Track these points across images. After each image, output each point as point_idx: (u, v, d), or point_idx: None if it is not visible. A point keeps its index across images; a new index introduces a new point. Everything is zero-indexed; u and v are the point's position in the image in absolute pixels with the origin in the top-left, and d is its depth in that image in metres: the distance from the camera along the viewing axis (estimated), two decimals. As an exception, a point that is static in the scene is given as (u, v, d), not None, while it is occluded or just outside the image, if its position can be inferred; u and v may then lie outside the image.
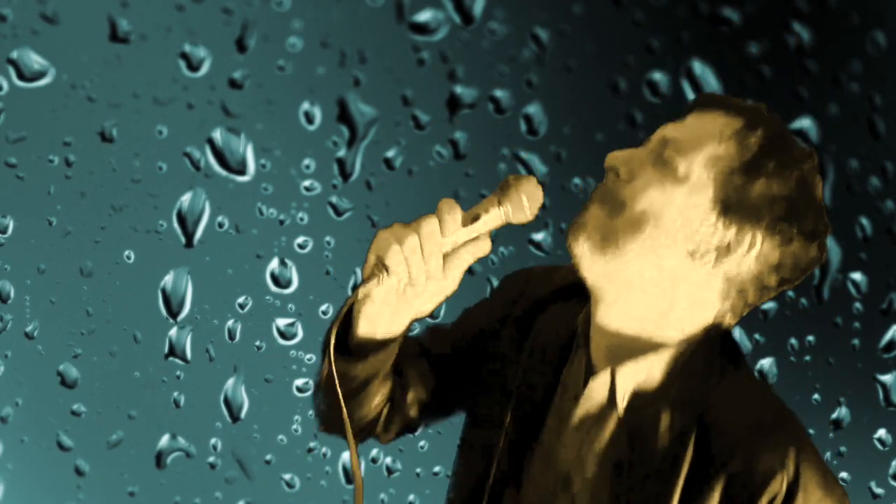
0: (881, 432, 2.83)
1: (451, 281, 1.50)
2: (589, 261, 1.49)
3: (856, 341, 2.78)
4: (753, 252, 1.48)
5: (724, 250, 1.47)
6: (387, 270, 1.48)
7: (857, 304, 2.77)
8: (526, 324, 1.66)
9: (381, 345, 1.57)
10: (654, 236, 1.47)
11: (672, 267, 1.48)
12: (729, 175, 1.46)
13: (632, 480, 1.49)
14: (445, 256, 1.49)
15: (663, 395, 1.50)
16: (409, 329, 1.57)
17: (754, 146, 1.47)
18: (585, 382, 1.54)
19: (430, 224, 1.47)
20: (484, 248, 1.51)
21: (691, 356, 1.51)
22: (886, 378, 2.79)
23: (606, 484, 1.51)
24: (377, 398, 1.63)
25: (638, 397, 1.51)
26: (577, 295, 1.59)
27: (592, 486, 1.53)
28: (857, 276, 2.76)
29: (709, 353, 1.52)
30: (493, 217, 1.51)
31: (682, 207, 1.46)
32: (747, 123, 1.48)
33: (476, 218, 1.50)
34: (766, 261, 1.49)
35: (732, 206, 1.46)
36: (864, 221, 2.74)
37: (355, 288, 1.52)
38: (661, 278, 1.48)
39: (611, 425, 1.52)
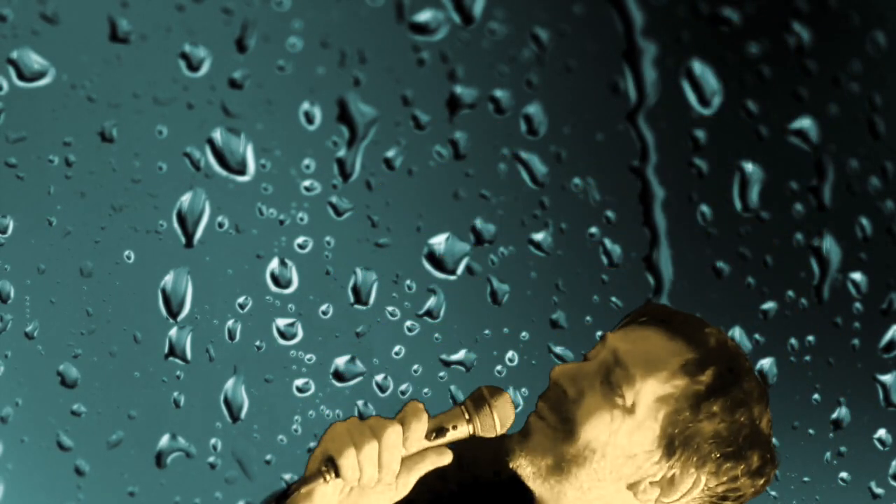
0: (881, 432, 2.83)
1: (402, 488, 1.42)
2: (529, 481, 1.47)
3: (856, 341, 2.78)
4: (697, 489, 1.46)
5: (668, 485, 1.46)
6: (336, 472, 1.38)
7: (857, 304, 2.77)
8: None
9: None
10: (598, 468, 1.45)
11: (613, 497, 1.47)
12: (675, 414, 1.44)
13: None
14: (402, 461, 1.41)
15: None
16: None
17: (703, 386, 1.44)
18: None
19: (393, 434, 1.37)
20: (444, 459, 1.43)
21: None
22: (886, 378, 2.79)
23: None
24: None
25: None
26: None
27: None
28: (857, 276, 2.76)
29: None
30: (460, 433, 1.44)
31: (628, 442, 1.44)
32: (699, 359, 1.45)
33: (442, 432, 1.43)
34: (710, 494, 1.47)
35: (678, 446, 1.44)
36: (864, 221, 2.75)
37: (297, 482, 1.42)
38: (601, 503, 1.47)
39: None
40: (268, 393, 2.71)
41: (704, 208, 2.69)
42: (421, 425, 1.41)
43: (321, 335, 2.68)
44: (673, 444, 1.43)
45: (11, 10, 2.50)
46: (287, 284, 2.67)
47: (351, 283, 2.67)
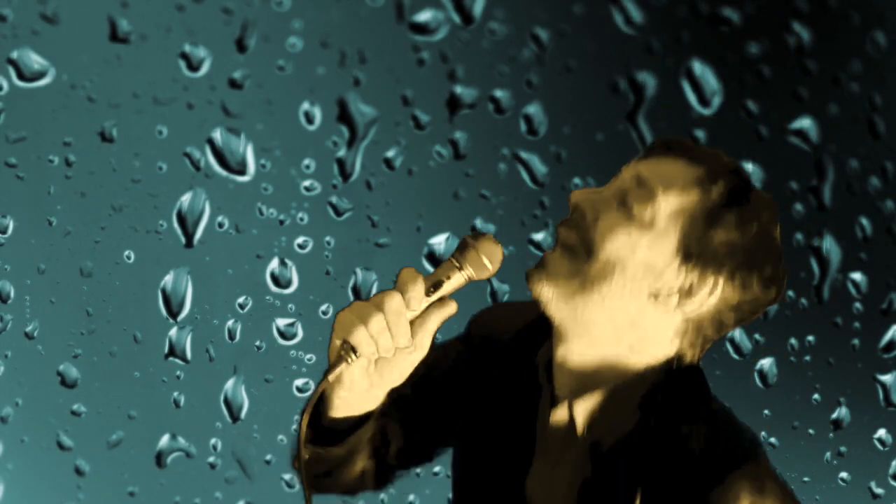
0: (881, 432, 2.83)
1: (420, 347, 1.50)
2: (552, 305, 1.53)
3: (856, 341, 2.78)
4: (714, 296, 1.52)
5: (686, 294, 1.52)
6: (355, 352, 1.46)
7: (857, 304, 2.77)
8: (496, 361, 1.68)
9: (358, 423, 1.54)
10: (619, 282, 1.51)
11: (636, 308, 1.52)
12: (692, 224, 1.51)
13: None
14: (412, 323, 1.48)
15: (623, 427, 1.53)
16: (385, 402, 1.55)
17: (716, 197, 1.51)
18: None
19: (393, 300, 1.45)
20: (450, 309, 1.50)
21: (651, 390, 1.54)
22: (886, 378, 2.79)
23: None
24: (359, 465, 1.61)
25: (597, 428, 1.54)
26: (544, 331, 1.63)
27: None
28: (857, 276, 2.76)
29: (671, 387, 1.55)
30: (456, 280, 1.50)
31: (647, 254, 1.51)
32: (709, 174, 1.52)
33: (439, 285, 1.50)
34: (726, 302, 1.53)
35: (695, 254, 1.50)
36: (864, 221, 2.75)
37: (325, 373, 1.48)
38: (624, 319, 1.53)
39: (573, 455, 1.55)
40: (268, 393, 2.71)
41: (704, 208, 2.68)
42: (418, 285, 1.47)
43: (321, 335, 2.68)
44: (690, 253, 1.50)
45: (11, 10, 2.50)
46: (287, 284, 2.67)
47: (351, 283, 2.66)
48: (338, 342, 1.46)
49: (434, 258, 2.65)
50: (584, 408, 1.54)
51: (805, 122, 2.69)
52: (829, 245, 2.75)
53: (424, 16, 2.61)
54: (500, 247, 1.51)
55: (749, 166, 2.69)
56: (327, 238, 2.66)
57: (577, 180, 2.68)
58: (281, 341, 2.69)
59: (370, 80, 2.60)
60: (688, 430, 1.52)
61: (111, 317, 2.63)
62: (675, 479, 1.49)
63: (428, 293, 1.48)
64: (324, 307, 2.68)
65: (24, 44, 2.51)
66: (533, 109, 2.66)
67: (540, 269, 1.54)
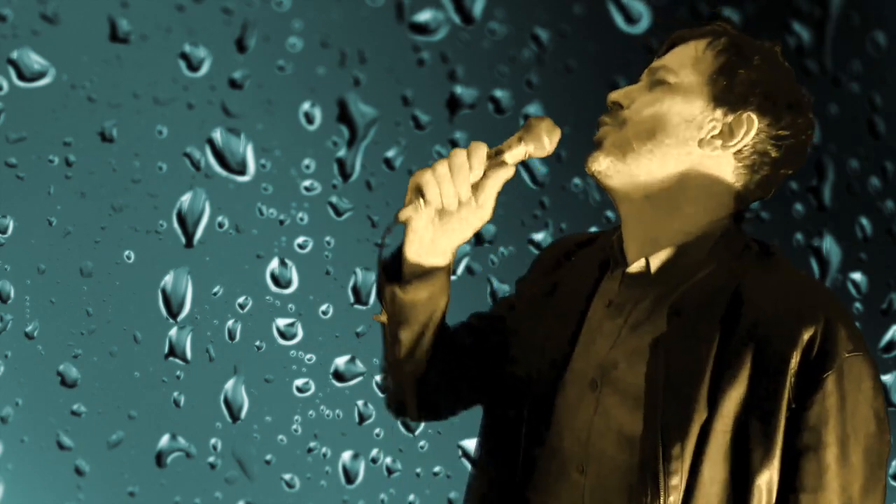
0: (881, 432, 2.83)
1: (483, 207, 1.67)
2: (611, 171, 1.70)
3: (856, 341, 2.77)
4: (753, 129, 1.68)
5: (728, 134, 1.68)
6: (422, 196, 1.64)
7: (857, 304, 2.77)
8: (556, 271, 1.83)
9: (429, 272, 1.69)
10: (664, 138, 1.68)
11: (687, 157, 1.68)
12: (713, 76, 1.70)
13: (669, 356, 1.60)
14: (475, 187, 1.66)
15: (695, 273, 1.65)
16: (453, 261, 1.71)
17: (725, 50, 1.72)
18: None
19: (459, 156, 1.64)
20: (508, 172, 1.68)
21: (722, 236, 1.69)
22: (886, 378, 2.79)
23: (642, 361, 1.62)
24: (428, 340, 1.73)
25: (672, 277, 1.66)
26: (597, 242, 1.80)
27: (630, 365, 1.64)
28: (857, 276, 2.76)
29: (738, 234, 1.72)
30: (517, 152, 1.68)
31: (683, 109, 1.69)
32: (713, 36, 1.74)
33: (500, 152, 1.67)
34: (766, 134, 1.69)
35: (722, 98, 1.68)
36: (864, 221, 2.74)
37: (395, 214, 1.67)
38: (678, 169, 1.69)
39: (647, 305, 1.66)
40: (268, 393, 2.71)
41: (704, 208, 2.68)
42: (481, 148, 1.65)
43: (321, 335, 2.68)
44: (718, 97, 1.69)
45: (11, 10, 2.50)
46: (287, 284, 2.67)
47: (351, 283, 2.66)
48: (410, 191, 1.66)
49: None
50: (659, 260, 1.67)
51: (805, 122, 2.69)
52: (829, 245, 2.74)
53: (424, 16, 2.61)
54: (559, 130, 1.69)
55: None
56: (327, 238, 2.66)
57: (576, 180, 2.68)
58: (281, 341, 2.69)
59: (370, 80, 2.60)
60: (758, 276, 1.65)
61: (111, 317, 2.63)
62: (750, 319, 1.59)
63: (489, 157, 1.65)
64: (324, 307, 2.68)
65: (24, 44, 2.51)
66: (533, 109, 2.66)
67: (593, 152, 1.72)
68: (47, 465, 2.66)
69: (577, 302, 1.74)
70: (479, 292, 2.66)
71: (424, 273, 1.70)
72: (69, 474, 2.67)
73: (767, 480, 1.55)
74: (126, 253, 2.61)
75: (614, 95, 1.75)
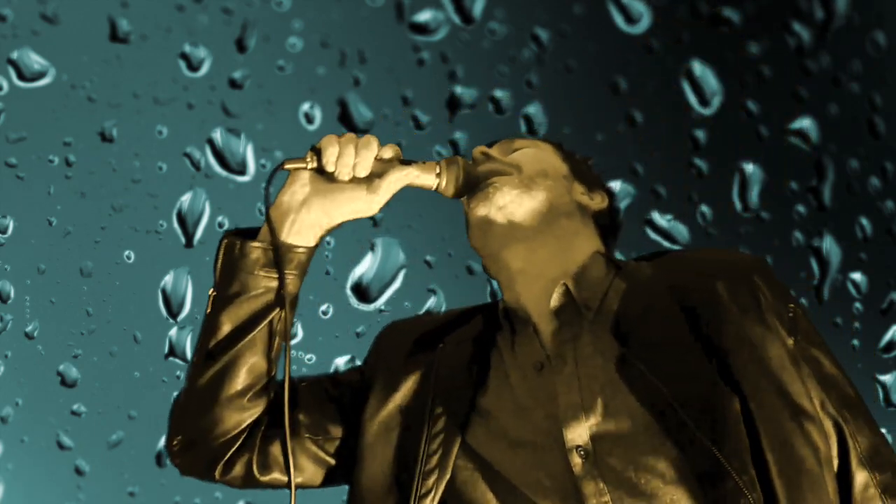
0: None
1: (375, 194, 1.62)
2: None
3: (856, 341, 2.78)
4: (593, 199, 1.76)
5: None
6: (318, 154, 1.59)
7: (857, 304, 2.77)
8: (421, 360, 1.71)
9: (288, 248, 1.63)
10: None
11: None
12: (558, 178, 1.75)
13: (657, 368, 1.52)
14: (376, 175, 1.61)
15: (606, 290, 1.65)
16: (311, 254, 1.65)
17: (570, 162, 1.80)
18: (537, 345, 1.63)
19: (371, 138, 1.60)
20: (410, 178, 1.64)
21: (606, 253, 1.72)
22: (886, 378, 2.79)
23: (622, 391, 1.54)
24: (252, 359, 1.64)
25: (591, 299, 1.63)
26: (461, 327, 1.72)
27: (613, 400, 1.54)
28: (857, 276, 2.76)
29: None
30: (426, 180, 1.65)
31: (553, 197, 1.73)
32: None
33: (410, 164, 1.64)
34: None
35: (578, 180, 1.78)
36: (864, 221, 2.75)
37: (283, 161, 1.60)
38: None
39: (588, 339, 1.59)
40: (268, 393, 2.70)
41: (704, 208, 2.69)
42: (396, 149, 1.64)
43: (321, 335, 2.68)
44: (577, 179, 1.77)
45: (11, 10, 2.50)
46: (287, 284, 2.66)
47: (351, 284, 2.66)
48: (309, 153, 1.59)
49: (430, 265, 2.65)
50: (577, 284, 1.63)
51: (805, 122, 2.69)
52: (829, 245, 2.74)
53: (424, 16, 2.61)
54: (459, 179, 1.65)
55: (749, 166, 2.69)
56: (327, 238, 2.66)
57: (577, 180, 2.68)
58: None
59: (370, 80, 2.60)
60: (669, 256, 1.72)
61: (111, 317, 2.63)
62: (701, 296, 1.57)
63: (399, 159, 1.62)
64: (324, 307, 2.68)
65: (24, 44, 2.51)
66: (533, 109, 2.66)
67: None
68: (47, 465, 2.66)
69: (462, 388, 1.63)
70: (480, 292, 2.66)
71: (278, 250, 1.63)
72: (69, 474, 2.67)
73: (818, 429, 1.51)
74: (126, 253, 2.61)
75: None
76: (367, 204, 1.62)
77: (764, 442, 1.47)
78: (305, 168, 1.61)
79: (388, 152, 1.62)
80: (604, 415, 1.52)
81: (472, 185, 1.67)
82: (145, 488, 2.69)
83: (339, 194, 1.62)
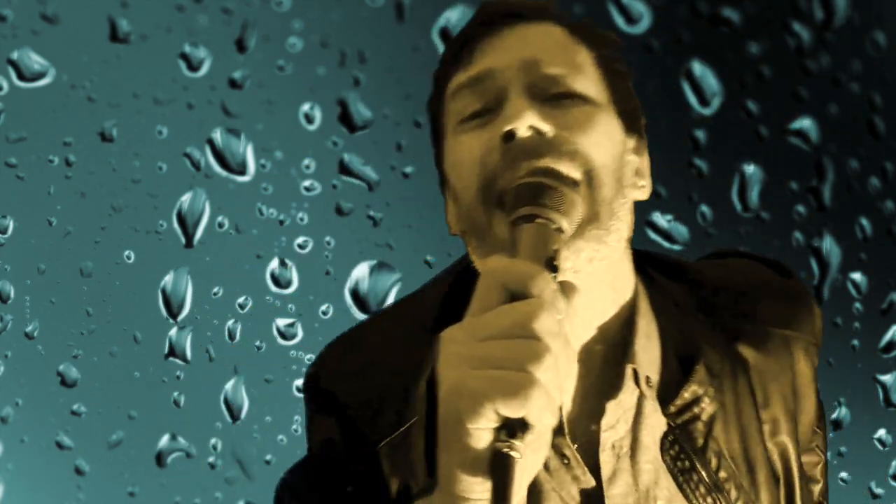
0: (881, 432, 2.83)
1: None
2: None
3: (856, 341, 2.78)
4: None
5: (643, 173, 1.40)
6: (522, 431, 0.93)
7: (857, 304, 2.77)
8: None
9: None
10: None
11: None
12: (611, 84, 1.38)
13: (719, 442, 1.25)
14: None
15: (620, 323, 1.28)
16: None
17: (597, 41, 1.37)
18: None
19: (542, 320, 0.95)
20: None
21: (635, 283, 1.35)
22: (886, 378, 2.79)
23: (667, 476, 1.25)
24: None
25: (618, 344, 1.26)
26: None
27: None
28: (857, 276, 2.76)
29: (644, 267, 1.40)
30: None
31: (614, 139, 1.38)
32: (554, 18, 1.39)
33: (554, 266, 1.12)
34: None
35: (630, 118, 1.43)
36: (864, 221, 2.74)
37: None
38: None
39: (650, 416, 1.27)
40: (268, 393, 2.71)
41: (704, 208, 2.69)
42: (545, 279, 1.01)
43: (321, 335, 2.68)
44: (629, 117, 1.37)
45: (11, 10, 2.50)
46: (287, 284, 2.67)
47: (351, 284, 2.66)
48: (477, 426, 0.87)
49: (430, 265, 2.65)
50: (642, 361, 1.24)
51: (805, 122, 2.69)
52: (829, 245, 2.74)
53: (425, 16, 2.61)
54: None
55: (749, 166, 2.69)
56: (327, 238, 2.66)
57: (577, 180, 2.67)
58: (281, 341, 2.69)
59: (370, 80, 2.60)
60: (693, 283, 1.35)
61: (111, 317, 2.63)
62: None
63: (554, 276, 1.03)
64: (324, 307, 2.68)
65: (24, 44, 2.51)
66: (533, 109, 2.66)
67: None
68: (47, 465, 2.66)
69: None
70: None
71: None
72: (69, 474, 2.67)
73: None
74: (126, 253, 2.61)
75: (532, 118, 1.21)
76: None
77: None
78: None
79: (555, 298, 1.01)
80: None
81: None
82: (145, 488, 2.69)
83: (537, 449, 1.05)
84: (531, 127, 1.23)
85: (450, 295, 1.38)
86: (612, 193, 1.24)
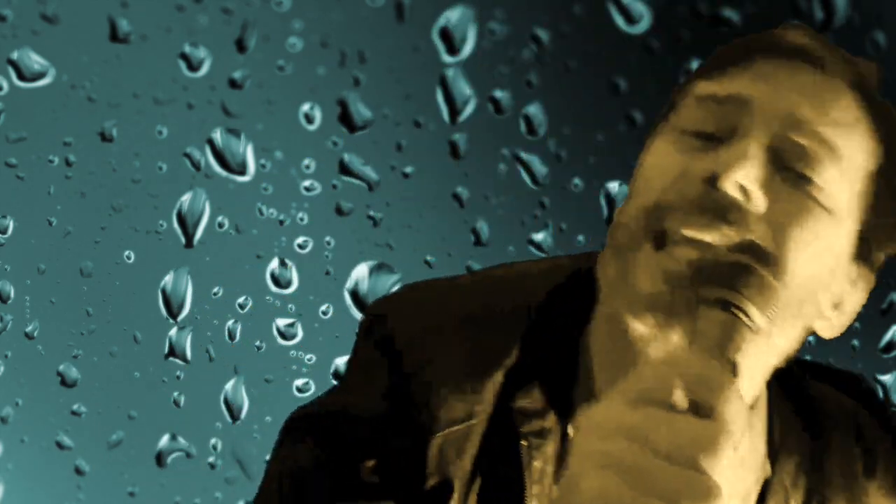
0: (881, 432, 2.83)
1: None
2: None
3: (856, 341, 2.78)
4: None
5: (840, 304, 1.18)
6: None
7: (857, 304, 2.76)
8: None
9: None
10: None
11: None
12: (869, 187, 1.04)
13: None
14: None
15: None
16: None
17: (885, 120, 1.06)
18: None
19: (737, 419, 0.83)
20: None
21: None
22: (886, 378, 2.79)
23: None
24: None
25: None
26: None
27: None
28: (857, 276, 2.76)
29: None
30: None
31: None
32: (855, 74, 1.07)
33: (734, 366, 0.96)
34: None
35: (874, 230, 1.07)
36: (864, 221, 2.74)
37: None
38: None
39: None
40: (268, 393, 2.71)
41: (704, 208, 2.68)
42: (738, 404, 0.86)
43: (321, 335, 2.68)
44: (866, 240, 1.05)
45: (11, 10, 2.50)
46: (287, 284, 2.67)
47: (351, 284, 2.66)
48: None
49: (430, 265, 2.65)
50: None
51: (805, 122, 2.69)
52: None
53: (425, 16, 2.61)
54: None
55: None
56: (327, 238, 2.66)
57: (577, 180, 2.68)
58: (281, 341, 2.69)
59: (370, 80, 2.60)
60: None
61: (111, 317, 2.63)
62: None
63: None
64: (324, 307, 2.68)
65: (24, 44, 2.51)
66: (533, 109, 2.66)
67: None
68: (47, 465, 2.66)
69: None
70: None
71: None
72: (69, 474, 2.67)
73: None
74: (126, 253, 2.61)
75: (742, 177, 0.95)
76: None
77: None
78: None
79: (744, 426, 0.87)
80: None
81: None
82: (145, 488, 2.69)
83: None
84: (742, 187, 1.00)
85: (562, 289, 1.18)
86: (795, 311, 1.04)
